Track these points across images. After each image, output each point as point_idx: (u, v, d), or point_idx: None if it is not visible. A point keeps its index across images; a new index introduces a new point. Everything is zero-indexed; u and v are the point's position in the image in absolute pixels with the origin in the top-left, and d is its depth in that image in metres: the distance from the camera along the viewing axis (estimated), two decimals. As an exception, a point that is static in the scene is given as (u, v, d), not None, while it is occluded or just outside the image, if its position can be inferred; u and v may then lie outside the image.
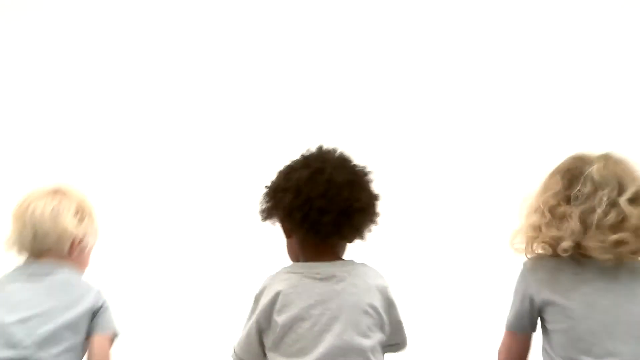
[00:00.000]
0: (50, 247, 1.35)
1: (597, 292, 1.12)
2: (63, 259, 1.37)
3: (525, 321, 1.23)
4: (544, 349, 1.21)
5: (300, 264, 1.23)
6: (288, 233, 1.25)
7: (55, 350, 1.25)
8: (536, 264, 1.21)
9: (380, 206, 1.26)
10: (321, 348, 1.12)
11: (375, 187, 1.26)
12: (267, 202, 1.24)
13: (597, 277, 1.13)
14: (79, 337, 1.30)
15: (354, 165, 1.25)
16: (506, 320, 1.27)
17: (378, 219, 1.25)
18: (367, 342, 1.14)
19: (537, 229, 1.18)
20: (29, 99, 3.08)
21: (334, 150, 1.25)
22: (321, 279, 1.18)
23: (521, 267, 1.24)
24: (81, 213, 1.39)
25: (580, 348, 1.11)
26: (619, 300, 1.12)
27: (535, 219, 1.19)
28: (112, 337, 1.36)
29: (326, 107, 3.03)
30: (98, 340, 1.33)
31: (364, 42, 3.15)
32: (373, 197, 1.24)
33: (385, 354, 1.25)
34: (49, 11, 3.22)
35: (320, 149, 1.26)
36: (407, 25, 3.19)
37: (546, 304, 1.17)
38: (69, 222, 1.35)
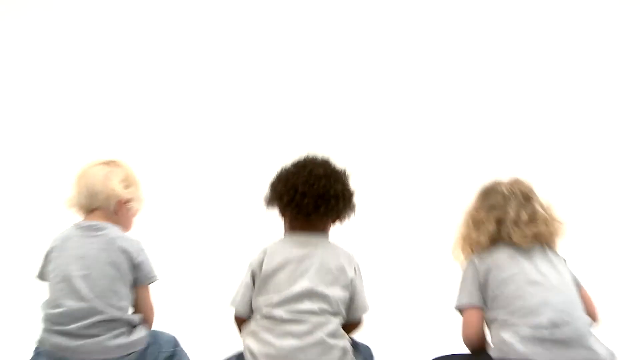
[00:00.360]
0: (100, 205, 1.58)
1: (525, 264, 1.52)
2: (110, 218, 1.58)
3: (479, 296, 1.55)
4: (486, 318, 1.54)
5: (287, 234, 1.61)
6: (282, 213, 1.60)
7: (112, 300, 1.46)
8: (480, 254, 1.58)
9: (357, 200, 1.60)
10: (292, 290, 1.47)
11: (354, 184, 1.61)
12: (268, 193, 1.62)
13: (520, 256, 1.53)
14: (128, 287, 1.51)
15: (333, 164, 1.62)
16: (460, 302, 1.57)
17: (355, 209, 1.61)
18: (328, 291, 1.47)
19: (467, 237, 1.61)
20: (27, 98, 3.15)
21: (319, 155, 1.64)
22: (299, 243, 1.55)
23: (469, 262, 1.60)
24: (128, 181, 1.63)
25: (515, 302, 1.48)
26: (536, 269, 1.52)
27: (463, 230, 1.62)
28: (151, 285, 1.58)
29: (322, 107, 3.12)
30: (141, 290, 1.55)
31: (357, 44, 3.23)
32: (347, 189, 1.59)
33: (350, 323, 1.55)
34: (49, 8, 3.29)
35: (308, 154, 1.64)
36: (396, 27, 3.29)
37: (488, 274, 1.53)
38: (115, 185, 1.59)
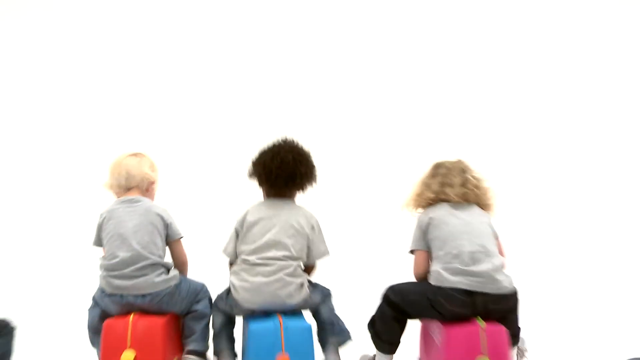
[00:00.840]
0: (136, 185, 2.19)
1: (456, 216, 2.13)
2: (143, 194, 2.20)
3: (423, 242, 2.16)
4: (429, 260, 2.14)
5: (264, 199, 2.24)
6: (260, 186, 2.23)
7: (152, 250, 2.07)
8: (426, 209, 2.21)
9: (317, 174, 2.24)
10: (262, 240, 2.08)
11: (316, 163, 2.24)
12: (250, 170, 2.23)
13: (454, 209, 2.15)
14: (162, 241, 2.13)
15: (299, 148, 2.21)
16: (411, 247, 2.19)
17: (316, 182, 2.23)
18: (289, 241, 2.09)
19: (418, 195, 2.24)
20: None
21: (289, 140, 2.22)
22: (271, 206, 2.18)
23: (418, 216, 2.22)
24: (152, 167, 2.26)
25: (447, 244, 2.08)
26: (463, 219, 2.13)
27: (417, 189, 2.25)
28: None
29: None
30: (174, 244, 2.18)
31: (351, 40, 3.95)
32: (310, 169, 2.20)
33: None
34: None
35: (280, 140, 2.22)
36: (384, 16, 4.01)
37: (429, 224, 2.14)
38: (147, 170, 2.21)
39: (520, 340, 2.18)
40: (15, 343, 1.98)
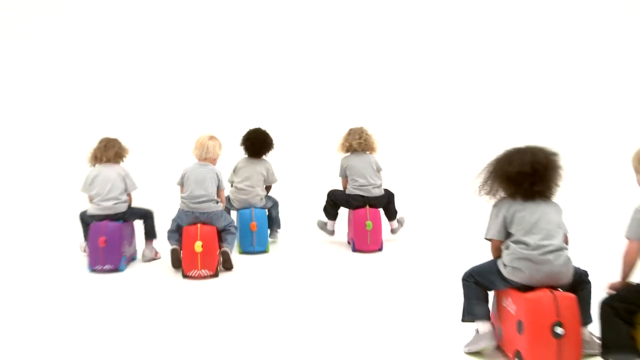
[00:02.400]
0: (209, 157, 3.99)
1: (357, 159, 4.66)
2: (211, 162, 4.00)
3: (342, 171, 4.66)
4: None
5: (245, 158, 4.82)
6: (246, 151, 4.83)
7: (210, 191, 3.92)
8: (347, 156, 4.75)
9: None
10: (244, 176, 4.54)
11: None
12: (242, 142, 4.76)
13: (357, 156, 4.68)
14: (216, 188, 3.95)
15: (264, 132, 4.76)
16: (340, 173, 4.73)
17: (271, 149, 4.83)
18: (256, 177, 4.58)
19: (342, 144, 4.78)
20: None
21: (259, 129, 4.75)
22: (249, 160, 4.67)
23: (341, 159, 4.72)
24: (220, 147, 4.06)
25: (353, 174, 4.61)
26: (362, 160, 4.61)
27: (341, 140, 4.82)
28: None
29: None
30: (220, 190, 4.01)
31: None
32: (269, 142, 4.79)
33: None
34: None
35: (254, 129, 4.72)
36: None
37: (346, 165, 4.70)
38: (217, 149, 4.05)
39: (400, 217, 4.60)
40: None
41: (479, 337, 2.46)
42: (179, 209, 3.89)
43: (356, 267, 4.01)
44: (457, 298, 2.60)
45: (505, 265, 2.38)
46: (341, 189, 4.55)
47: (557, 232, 2.37)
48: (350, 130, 4.53)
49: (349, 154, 4.52)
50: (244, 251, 4.38)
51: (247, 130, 4.62)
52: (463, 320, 2.52)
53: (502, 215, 2.42)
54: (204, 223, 3.81)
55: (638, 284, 2.29)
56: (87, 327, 2.89)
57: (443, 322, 2.87)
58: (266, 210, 4.56)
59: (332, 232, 4.63)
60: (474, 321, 2.48)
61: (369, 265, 4.03)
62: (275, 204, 4.67)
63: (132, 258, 4.18)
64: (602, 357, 2.21)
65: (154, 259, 4.17)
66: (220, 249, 3.83)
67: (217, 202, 3.91)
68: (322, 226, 4.67)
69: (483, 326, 2.45)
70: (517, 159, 2.39)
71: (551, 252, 2.32)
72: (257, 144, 4.52)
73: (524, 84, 6.72)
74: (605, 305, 2.23)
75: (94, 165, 4.14)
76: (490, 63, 6.77)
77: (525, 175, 2.37)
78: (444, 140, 6.55)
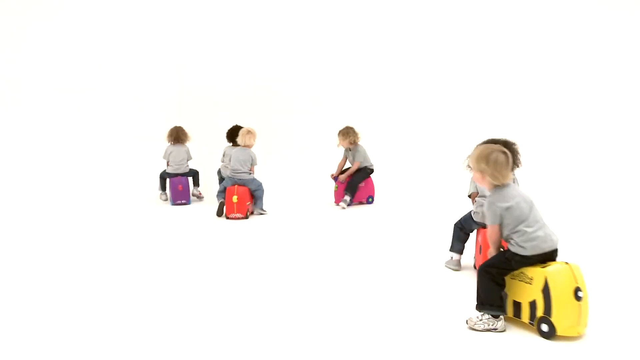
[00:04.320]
0: (248, 145, 6.24)
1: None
2: (247, 146, 6.25)
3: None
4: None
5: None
6: (231, 141, 7.29)
7: (247, 166, 6.16)
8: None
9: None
10: (235, 166, 6.21)
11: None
12: (230, 134, 6.84)
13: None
14: (250, 165, 6.22)
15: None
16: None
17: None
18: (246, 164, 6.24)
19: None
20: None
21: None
22: (237, 149, 6.36)
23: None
24: (255, 138, 6.27)
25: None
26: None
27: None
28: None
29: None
30: (253, 166, 6.28)
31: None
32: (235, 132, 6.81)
33: None
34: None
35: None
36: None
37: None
38: (253, 139, 6.26)
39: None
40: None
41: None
42: (227, 176, 6.19)
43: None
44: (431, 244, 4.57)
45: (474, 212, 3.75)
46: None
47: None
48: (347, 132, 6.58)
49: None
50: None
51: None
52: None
53: (475, 184, 3.82)
54: (239, 185, 6.04)
55: (505, 251, 2.84)
56: (169, 234, 5.21)
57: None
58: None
59: None
60: None
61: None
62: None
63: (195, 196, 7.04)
64: (477, 309, 2.79)
65: (199, 197, 7.00)
66: (250, 202, 6.11)
67: (250, 173, 6.11)
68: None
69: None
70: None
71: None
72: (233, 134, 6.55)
73: (514, 79, 7.75)
74: (482, 270, 2.82)
75: (170, 143, 6.90)
76: (487, 60, 7.86)
77: None
78: (432, 129, 7.93)
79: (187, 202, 6.79)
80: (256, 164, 6.22)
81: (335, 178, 6.70)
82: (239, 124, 6.64)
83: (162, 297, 3.38)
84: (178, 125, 7.06)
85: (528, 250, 2.72)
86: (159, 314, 3.09)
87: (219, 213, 6.04)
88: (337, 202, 6.60)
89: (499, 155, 2.82)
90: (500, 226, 2.83)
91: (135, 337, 2.77)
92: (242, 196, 5.96)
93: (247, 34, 8.25)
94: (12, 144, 7.54)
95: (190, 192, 6.90)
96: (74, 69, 7.80)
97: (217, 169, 7.03)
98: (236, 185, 6.02)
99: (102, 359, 2.55)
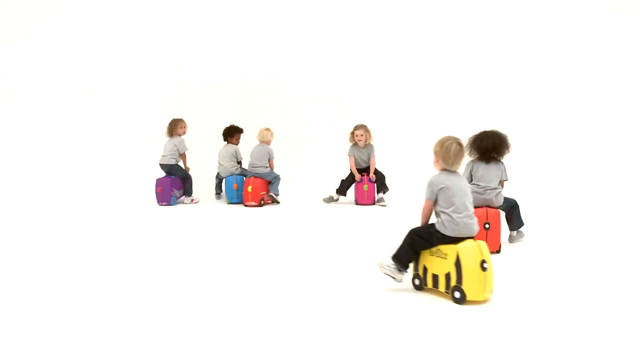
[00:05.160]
0: (264, 140, 6.95)
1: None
2: (266, 144, 6.93)
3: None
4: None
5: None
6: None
7: (265, 161, 6.85)
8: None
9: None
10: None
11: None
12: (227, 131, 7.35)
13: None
14: (267, 159, 6.87)
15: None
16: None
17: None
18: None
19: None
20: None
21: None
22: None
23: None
24: (272, 135, 7.01)
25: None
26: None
27: None
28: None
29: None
30: (270, 160, 6.95)
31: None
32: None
33: None
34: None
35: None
36: None
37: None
38: (269, 137, 6.99)
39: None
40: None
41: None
42: (247, 169, 6.88)
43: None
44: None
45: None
46: None
47: (495, 179, 4.18)
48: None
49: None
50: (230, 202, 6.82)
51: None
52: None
53: (470, 169, 4.26)
54: (257, 177, 6.74)
55: (431, 225, 3.19)
56: (182, 224, 5.89)
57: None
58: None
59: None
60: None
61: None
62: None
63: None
64: (391, 259, 3.23)
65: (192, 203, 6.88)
66: (267, 193, 6.79)
67: (267, 167, 6.78)
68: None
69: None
70: (485, 139, 4.23)
71: (490, 189, 4.17)
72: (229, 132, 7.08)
73: (512, 77, 7.66)
74: (409, 232, 3.22)
75: (169, 137, 6.92)
76: (487, 60, 7.76)
77: (488, 149, 4.21)
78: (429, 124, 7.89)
79: (169, 204, 6.64)
80: (274, 158, 6.86)
81: (360, 180, 6.65)
82: (234, 124, 7.10)
83: (165, 292, 3.30)
84: (176, 118, 6.97)
85: (449, 232, 3.11)
86: (164, 304, 3.06)
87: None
88: (359, 201, 6.68)
89: (454, 145, 3.20)
90: (435, 204, 3.20)
91: (142, 327, 2.73)
92: (256, 186, 6.68)
93: (247, 34, 8.37)
94: (12, 144, 7.53)
95: (173, 194, 6.68)
96: (74, 69, 7.83)
97: (216, 173, 7.11)
98: (252, 177, 6.72)
99: (104, 355, 2.43)
